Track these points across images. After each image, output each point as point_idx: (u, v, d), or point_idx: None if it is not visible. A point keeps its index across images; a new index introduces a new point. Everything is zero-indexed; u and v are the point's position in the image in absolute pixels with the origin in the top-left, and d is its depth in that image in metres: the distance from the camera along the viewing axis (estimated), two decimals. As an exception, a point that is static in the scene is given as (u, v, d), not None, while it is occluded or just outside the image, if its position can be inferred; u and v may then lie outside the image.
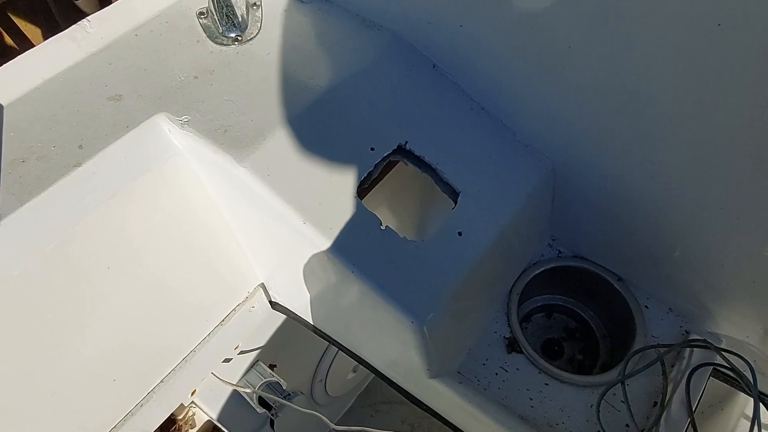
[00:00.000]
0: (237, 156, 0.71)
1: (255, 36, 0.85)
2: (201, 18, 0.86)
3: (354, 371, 1.78)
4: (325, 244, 0.69)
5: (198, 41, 0.84)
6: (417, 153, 0.78)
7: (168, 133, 0.75)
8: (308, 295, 0.89)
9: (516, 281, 0.92)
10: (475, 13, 0.74)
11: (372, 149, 0.76)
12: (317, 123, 0.75)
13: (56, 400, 0.78)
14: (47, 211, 0.67)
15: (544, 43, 0.70)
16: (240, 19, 0.84)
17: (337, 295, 0.80)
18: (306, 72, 0.80)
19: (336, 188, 0.72)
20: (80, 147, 0.71)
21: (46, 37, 1.96)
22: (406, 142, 0.78)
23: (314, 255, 0.72)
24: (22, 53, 0.77)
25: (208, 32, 0.85)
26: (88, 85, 0.77)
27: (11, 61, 0.76)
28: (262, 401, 1.28)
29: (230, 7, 0.84)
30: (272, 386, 1.26)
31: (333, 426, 1.08)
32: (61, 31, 0.81)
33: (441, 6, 0.77)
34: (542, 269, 0.94)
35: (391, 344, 0.80)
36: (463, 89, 0.85)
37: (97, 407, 0.85)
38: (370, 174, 0.74)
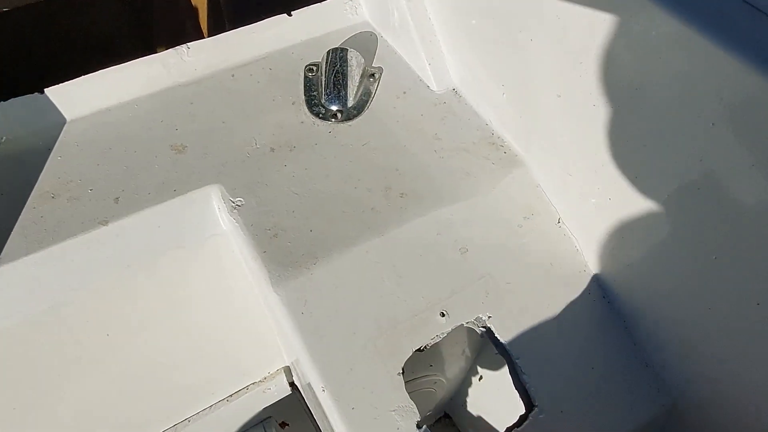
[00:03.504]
0: (275, 275, 0.57)
1: (359, 115, 0.70)
2: (308, 73, 0.73)
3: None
4: (340, 426, 0.53)
5: (293, 103, 0.71)
6: (497, 334, 0.59)
7: (216, 210, 0.63)
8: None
9: None
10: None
11: (443, 314, 0.58)
12: (388, 262, 0.59)
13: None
14: (52, 267, 0.57)
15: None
16: (348, 90, 0.70)
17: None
18: (404, 183, 0.64)
19: (379, 355, 0.55)
20: (116, 200, 0.61)
21: (209, 26, 1.95)
22: (489, 317, 0.59)
23: (327, 420, 0.57)
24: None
25: (307, 94, 0.71)
26: (159, 122, 0.67)
27: (94, 74, 0.68)
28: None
29: (343, 73, 0.70)
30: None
31: None
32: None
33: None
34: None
35: None
36: (589, 261, 0.65)
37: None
38: (426, 346, 0.57)
